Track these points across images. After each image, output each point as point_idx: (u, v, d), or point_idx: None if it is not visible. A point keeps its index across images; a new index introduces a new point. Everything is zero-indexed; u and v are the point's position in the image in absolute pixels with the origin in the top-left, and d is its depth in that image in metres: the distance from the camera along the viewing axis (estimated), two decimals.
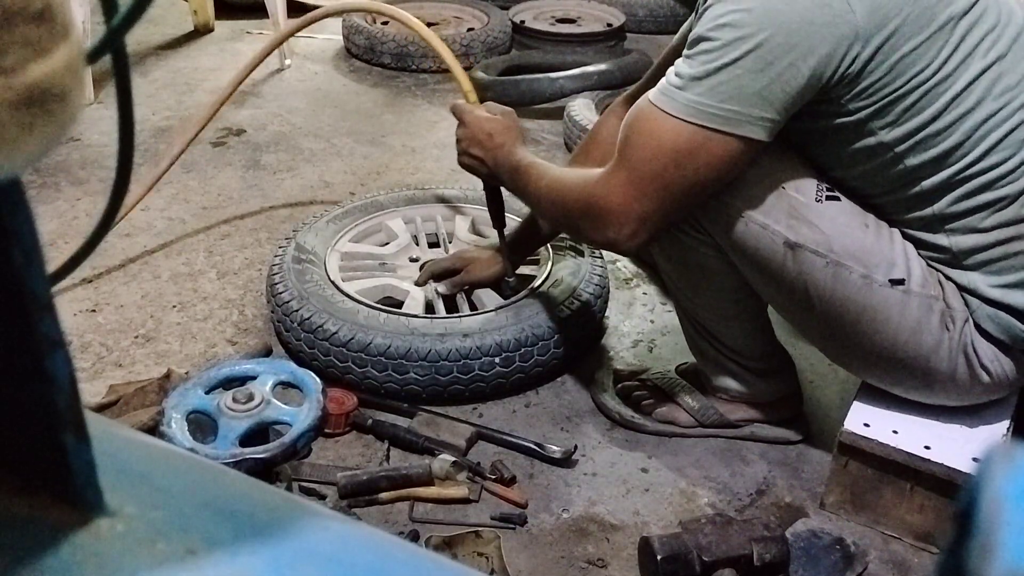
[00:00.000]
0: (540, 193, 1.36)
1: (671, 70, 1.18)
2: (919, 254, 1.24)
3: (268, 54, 1.97)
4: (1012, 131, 1.15)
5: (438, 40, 1.69)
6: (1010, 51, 1.16)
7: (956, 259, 1.22)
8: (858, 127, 1.17)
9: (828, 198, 1.23)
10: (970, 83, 1.13)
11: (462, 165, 1.53)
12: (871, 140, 1.17)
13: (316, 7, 2.36)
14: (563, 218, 1.34)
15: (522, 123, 1.50)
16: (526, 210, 1.69)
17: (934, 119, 1.14)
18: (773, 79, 1.10)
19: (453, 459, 1.41)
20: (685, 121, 1.14)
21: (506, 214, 1.66)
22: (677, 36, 1.52)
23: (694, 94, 1.13)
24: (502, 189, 1.57)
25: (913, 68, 1.12)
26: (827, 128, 1.19)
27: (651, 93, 1.20)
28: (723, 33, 1.11)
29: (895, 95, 1.13)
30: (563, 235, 1.75)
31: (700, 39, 1.14)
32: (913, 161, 1.17)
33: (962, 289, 1.24)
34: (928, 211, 1.21)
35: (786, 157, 1.24)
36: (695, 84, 1.13)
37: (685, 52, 1.17)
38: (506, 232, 1.68)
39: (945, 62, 1.12)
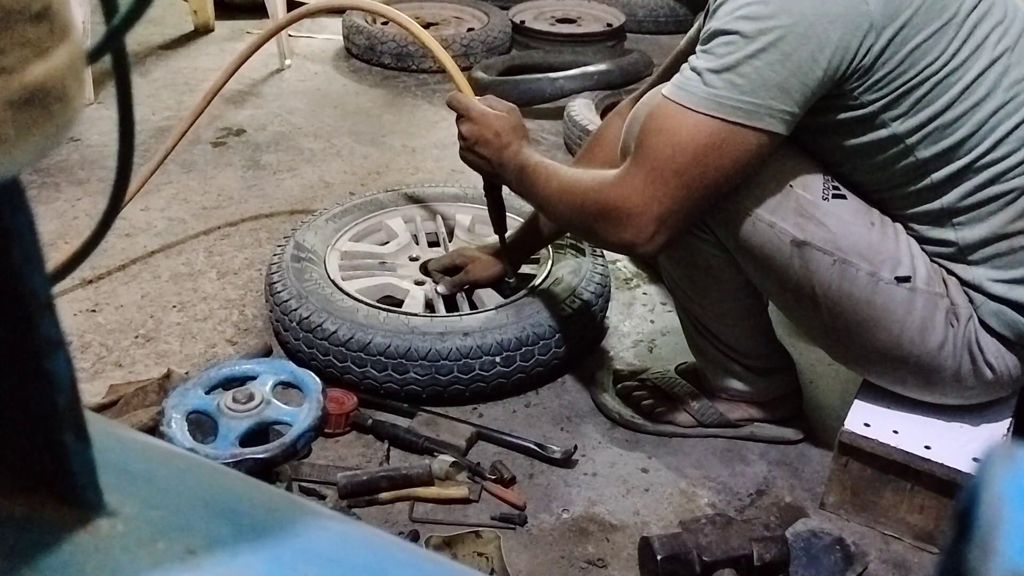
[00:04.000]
0: (550, 194, 1.33)
1: (685, 66, 1.17)
2: (923, 250, 1.24)
3: (263, 43, 1.96)
4: (1020, 124, 1.16)
5: (422, 30, 1.68)
6: (1018, 44, 1.17)
7: (962, 253, 1.23)
8: (870, 119, 1.17)
9: (835, 196, 1.23)
10: (980, 75, 1.14)
11: (465, 161, 1.49)
12: (883, 132, 1.18)
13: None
14: (576, 220, 1.31)
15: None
16: (527, 210, 1.69)
17: (945, 110, 1.15)
18: (793, 71, 1.10)
19: (453, 459, 1.40)
20: (706, 115, 1.13)
21: (507, 213, 1.65)
22: (684, 40, 1.50)
23: (714, 87, 1.12)
24: (503, 187, 1.56)
25: (925, 59, 1.12)
26: (839, 122, 1.19)
27: (666, 89, 1.18)
28: (742, 26, 1.11)
29: (907, 86, 1.14)
30: (566, 235, 1.75)
31: (718, 32, 1.13)
32: (924, 153, 1.18)
33: (966, 285, 1.24)
34: (936, 204, 1.21)
35: (793, 155, 1.24)
36: (714, 77, 1.12)
37: (700, 47, 1.16)
38: (507, 233, 1.67)
39: (955, 53, 1.13)
